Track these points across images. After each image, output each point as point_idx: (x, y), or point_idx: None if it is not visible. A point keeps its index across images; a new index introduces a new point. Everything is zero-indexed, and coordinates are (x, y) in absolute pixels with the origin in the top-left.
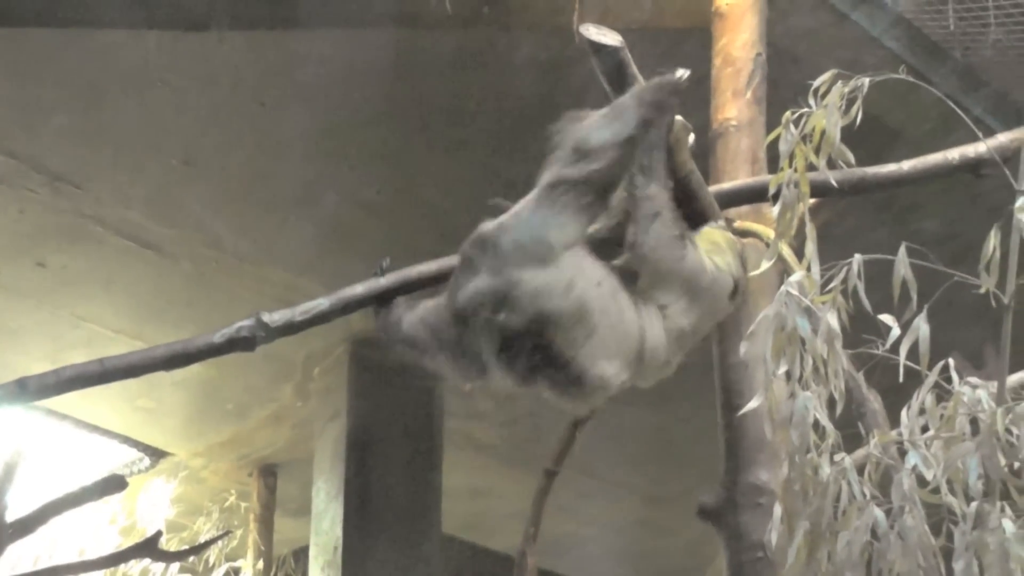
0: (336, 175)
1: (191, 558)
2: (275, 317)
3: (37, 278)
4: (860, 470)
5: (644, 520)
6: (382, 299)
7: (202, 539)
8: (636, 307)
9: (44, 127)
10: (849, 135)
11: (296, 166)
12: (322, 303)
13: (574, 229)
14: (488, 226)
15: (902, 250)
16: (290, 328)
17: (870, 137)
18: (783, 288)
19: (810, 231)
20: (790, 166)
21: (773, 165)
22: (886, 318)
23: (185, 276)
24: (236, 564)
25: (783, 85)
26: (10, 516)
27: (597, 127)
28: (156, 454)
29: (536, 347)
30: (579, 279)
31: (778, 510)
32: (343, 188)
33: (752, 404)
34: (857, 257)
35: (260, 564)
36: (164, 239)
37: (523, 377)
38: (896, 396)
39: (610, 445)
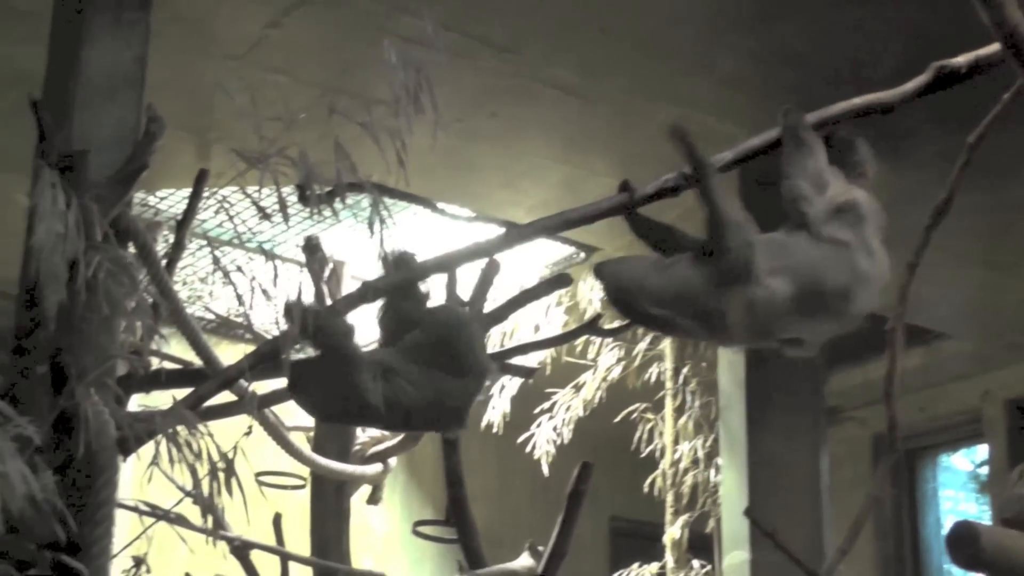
0: (733, 35)
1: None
2: None
3: (491, 125)
4: None
5: (984, 283)
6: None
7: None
8: None
9: (489, 8)
10: None
11: (694, 30)
12: (727, 156)
13: None
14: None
15: None
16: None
17: None
18: None
19: None
20: None
21: None
22: None
23: (603, 117)
24: None
25: None
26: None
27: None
28: (588, 249)
29: None
30: None
31: None
32: (741, 45)
33: None
34: None
35: None
36: (586, 89)
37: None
38: None
39: (958, 221)
